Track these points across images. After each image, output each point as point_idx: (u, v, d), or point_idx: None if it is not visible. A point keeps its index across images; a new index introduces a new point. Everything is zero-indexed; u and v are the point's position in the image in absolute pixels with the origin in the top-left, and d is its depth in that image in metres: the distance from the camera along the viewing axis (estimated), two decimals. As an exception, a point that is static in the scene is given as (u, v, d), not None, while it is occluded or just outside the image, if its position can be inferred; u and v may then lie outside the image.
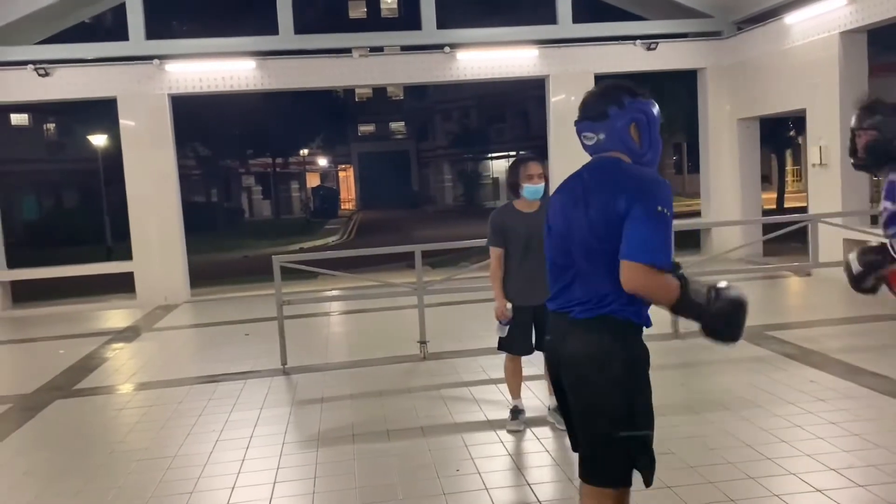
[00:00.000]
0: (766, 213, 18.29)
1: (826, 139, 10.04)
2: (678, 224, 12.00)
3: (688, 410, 5.10)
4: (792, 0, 10.56)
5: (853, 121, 3.35)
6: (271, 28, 11.84)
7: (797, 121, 16.05)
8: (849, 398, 5.06)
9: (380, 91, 47.31)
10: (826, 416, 4.71)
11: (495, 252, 4.83)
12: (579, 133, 2.70)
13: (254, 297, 11.28)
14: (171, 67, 11.38)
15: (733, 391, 5.40)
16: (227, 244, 26.32)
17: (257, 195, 46.64)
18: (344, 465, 4.47)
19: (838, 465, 3.96)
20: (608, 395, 2.51)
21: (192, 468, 4.57)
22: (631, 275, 2.40)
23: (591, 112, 2.64)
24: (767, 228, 9.84)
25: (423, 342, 6.88)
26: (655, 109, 2.65)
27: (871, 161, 3.25)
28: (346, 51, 11.88)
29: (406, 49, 12.65)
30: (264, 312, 8.68)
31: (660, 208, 2.42)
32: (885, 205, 3.18)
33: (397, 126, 51.49)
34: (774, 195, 25.45)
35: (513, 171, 4.78)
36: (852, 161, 3.35)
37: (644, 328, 2.58)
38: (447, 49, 11.86)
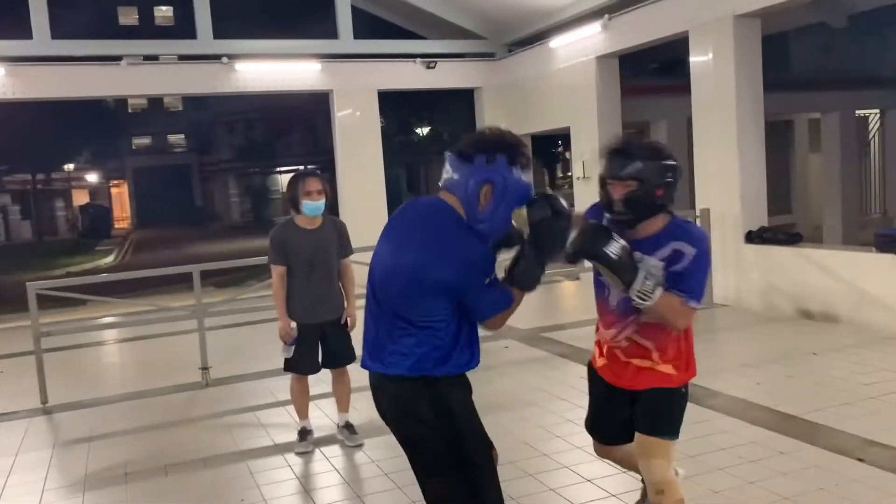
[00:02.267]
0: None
1: (587, 154, 10.95)
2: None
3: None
4: (556, 25, 11.43)
5: (604, 167, 2.82)
6: (25, 32, 10.70)
7: (563, 137, 17.38)
8: (613, 391, 5.52)
9: (156, 102, 44.43)
10: (594, 410, 5.09)
11: (277, 270, 4.70)
12: (445, 160, 2.54)
13: (10, 329, 10.08)
14: None
15: (512, 392, 5.69)
16: (-22, 271, 23.35)
17: (14, 215, 41.90)
18: (115, 508, 4.10)
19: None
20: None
21: (-73, 533, 3.96)
22: (493, 326, 2.57)
23: (463, 148, 2.51)
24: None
25: (204, 368, 6.53)
26: (521, 183, 2.48)
27: (635, 216, 2.76)
28: (116, 59, 11.04)
29: (183, 59, 12.02)
30: (22, 346, 7.78)
31: (487, 280, 2.45)
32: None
33: (176, 139, 48.71)
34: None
35: (292, 186, 4.68)
36: (608, 216, 2.82)
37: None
38: (225, 60, 11.43)
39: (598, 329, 3.08)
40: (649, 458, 2.87)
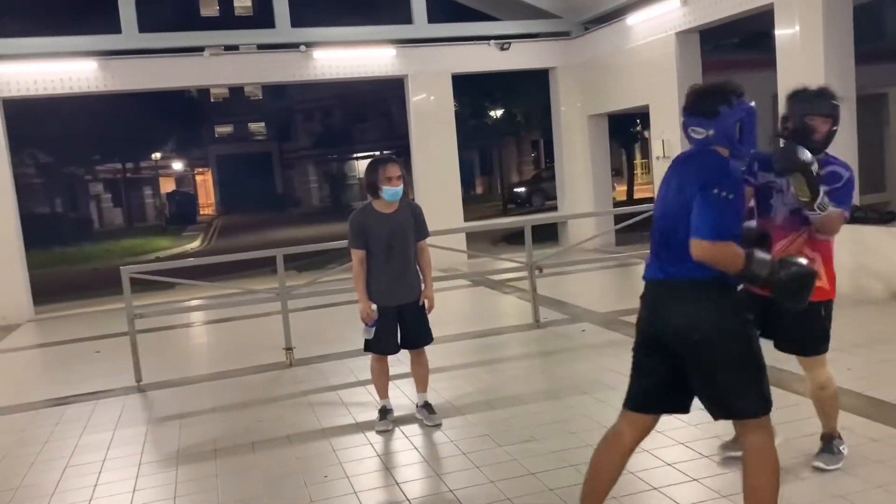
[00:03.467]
0: (617, 204, 19.29)
1: (667, 133, 10.69)
2: (536, 218, 12.39)
3: (549, 397, 5.28)
4: (633, 2, 11.17)
5: (806, 106, 3.42)
6: (114, 27, 11.18)
7: (642, 116, 17.01)
8: (694, 375, 5.41)
9: (236, 91, 45.74)
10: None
11: (357, 254, 4.79)
12: (686, 126, 2.95)
13: (104, 311, 10.64)
14: (2, 69, 10.51)
15: (590, 375, 5.65)
16: (75, 256, 24.65)
17: (107, 203, 43.93)
18: (206, 481, 4.29)
19: (686, 438, 4.22)
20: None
21: (38, 499, 4.24)
22: (695, 250, 2.77)
23: (702, 109, 2.89)
24: (619, 219, 10.36)
25: (288, 348, 6.73)
26: (755, 110, 2.93)
27: (825, 146, 3.42)
28: (198, 50, 11.42)
29: (262, 48, 12.32)
30: (116, 328, 8.20)
31: (716, 191, 2.74)
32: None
33: (257, 127, 50.04)
34: (625, 187, 26.84)
35: (371, 172, 4.75)
36: (807, 148, 3.26)
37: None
38: (303, 48, 11.66)
39: None
40: (811, 368, 3.61)
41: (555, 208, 15.61)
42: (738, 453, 3.21)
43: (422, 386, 5.00)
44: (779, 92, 8.64)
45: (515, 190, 30.42)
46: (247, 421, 5.34)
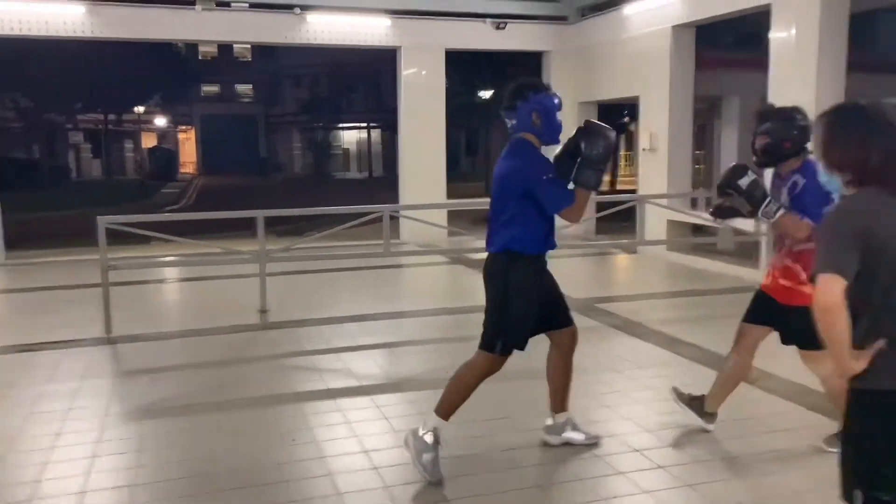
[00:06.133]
0: (600, 193, 19.32)
1: (656, 126, 10.71)
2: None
3: (524, 376, 5.30)
4: (632, -9, 11.12)
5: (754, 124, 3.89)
6: (105, -28, 10.93)
7: (631, 107, 17.03)
8: (667, 366, 5.47)
9: (226, 50, 45.11)
10: (645, 382, 5.07)
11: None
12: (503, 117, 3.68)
13: (79, 261, 10.47)
14: (-15, 5, 10.24)
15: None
16: (51, 204, 24.26)
17: (86, 153, 43.25)
18: (171, 436, 4.27)
19: (654, 426, 4.27)
20: None
21: (-1, 444, 4.19)
22: (566, 216, 3.63)
23: (506, 103, 3.63)
24: (599, 207, 10.38)
25: (263, 311, 6.69)
26: (554, 101, 3.58)
27: (768, 160, 3.80)
28: (190, 3, 11.20)
29: (254, 7, 12.11)
30: (90, 278, 8.09)
31: (545, 178, 3.52)
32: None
33: (244, 89, 49.41)
34: (609, 177, 26.92)
35: None
36: (753, 159, 3.85)
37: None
38: (297, 10, 11.49)
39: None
40: (814, 362, 3.74)
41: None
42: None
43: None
44: (769, 92, 8.70)
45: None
46: (217, 379, 5.31)
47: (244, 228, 11.57)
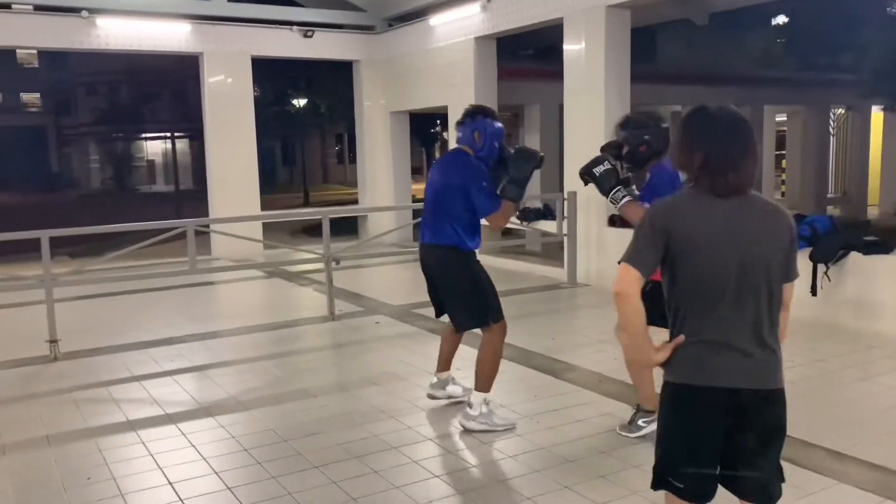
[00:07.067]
0: (416, 200, 19.66)
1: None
2: (334, 210, 12.25)
3: (339, 389, 5.24)
4: (437, 2, 11.41)
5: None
6: None
7: (442, 117, 17.47)
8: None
9: (8, 56, 40.85)
10: (462, 383, 5.16)
11: None
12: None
13: None
14: None
15: (381, 367, 5.69)
16: None
17: None
18: (-60, 491, 3.76)
19: (455, 429, 4.36)
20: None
21: None
22: (492, 221, 4.30)
23: (459, 120, 4.40)
24: (417, 214, 10.49)
25: (53, 341, 6.10)
26: (495, 126, 4.33)
27: (631, 166, 4.11)
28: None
29: (39, 9, 11.06)
30: None
31: (483, 184, 4.21)
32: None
33: (31, 98, 45.09)
34: (423, 185, 27.50)
35: None
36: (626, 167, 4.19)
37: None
38: (85, 13, 10.66)
39: None
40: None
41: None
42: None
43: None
44: (565, 101, 9.26)
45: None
46: (-2, 421, 4.76)
47: (33, 250, 10.53)
